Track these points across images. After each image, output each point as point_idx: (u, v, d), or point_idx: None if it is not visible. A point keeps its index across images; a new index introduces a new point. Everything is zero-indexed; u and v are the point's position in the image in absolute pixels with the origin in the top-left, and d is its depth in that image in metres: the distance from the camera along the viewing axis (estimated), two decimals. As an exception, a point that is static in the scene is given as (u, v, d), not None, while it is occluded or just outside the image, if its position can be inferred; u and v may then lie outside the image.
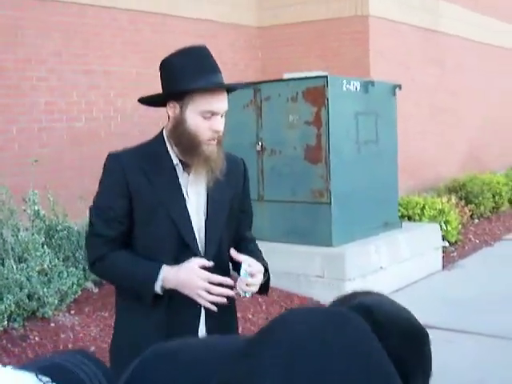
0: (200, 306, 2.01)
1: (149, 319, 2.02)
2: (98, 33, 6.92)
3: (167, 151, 2.07)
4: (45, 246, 4.91)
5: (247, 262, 2.01)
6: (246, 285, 2.00)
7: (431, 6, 10.08)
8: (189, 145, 2.01)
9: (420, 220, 7.52)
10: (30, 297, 4.59)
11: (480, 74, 11.63)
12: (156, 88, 2.14)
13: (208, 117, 2.00)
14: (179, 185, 2.06)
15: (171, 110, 2.05)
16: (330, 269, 5.52)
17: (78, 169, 6.58)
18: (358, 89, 6.00)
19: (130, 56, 7.18)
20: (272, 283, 2.19)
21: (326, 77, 5.71)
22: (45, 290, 4.62)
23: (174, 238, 2.03)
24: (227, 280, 1.98)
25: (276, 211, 5.84)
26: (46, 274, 4.80)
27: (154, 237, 2.03)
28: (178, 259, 2.00)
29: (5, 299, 4.34)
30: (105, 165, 2.08)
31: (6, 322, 4.36)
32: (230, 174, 2.10)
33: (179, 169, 2.06)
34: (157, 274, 1.96)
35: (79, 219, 5.11)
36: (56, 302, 4.71)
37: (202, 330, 2.05)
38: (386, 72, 8.44)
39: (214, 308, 1.97)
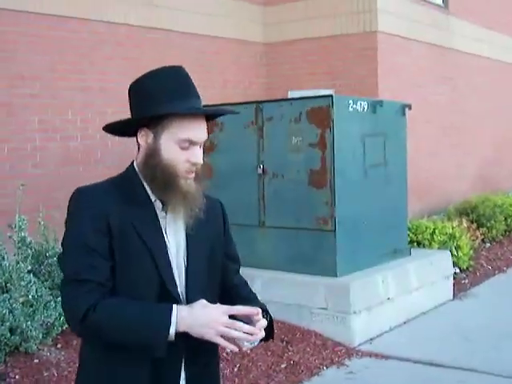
0: (180, 352, 1.74)
1: (133, 372, 1.73)
2: (96, 48, 6.68)
3: (143, 186, 1.80)
4: (30, 275, 4.62)
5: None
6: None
7: (442, 22, 9.79)
8: (165, 179, 1.74)
9: (430, 245, 7.19)
10: (12, 330, 4.29)
11: (492, 92, 11.32)
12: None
13: (185, 147, 1.75)
14: (159, 225, 1.79)
15: (142, 138, 1.79)
16: (334, 301, 5.19)
17: (72, 189, 6.30)
18: (366, 109, 5.69)
19: (128, 72, 6.90)
20: (272, 315, 1.92)
21: (331, 96, 5.41)
22: (29, 322, 4.33)
23: (155, 284, 1.75)
24: (256, 309, 1.73)
25: (278, 238, 5.49)
26: (31, 305, 4.50)
27: (135, 283, 1.74)
28: None
29: (-16, 334, 4.05)
30: (74, 201, 1.77)
31: (-17, 360, 4.06)
32: (208, 212, 1.84)
33: (157, 206, 1.79)
34: (169, 315, 1.66)
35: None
36: (41, 335, 4.41)
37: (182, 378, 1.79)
38: (395, 90, 8.16)
39: (236, 349, 1.70)
